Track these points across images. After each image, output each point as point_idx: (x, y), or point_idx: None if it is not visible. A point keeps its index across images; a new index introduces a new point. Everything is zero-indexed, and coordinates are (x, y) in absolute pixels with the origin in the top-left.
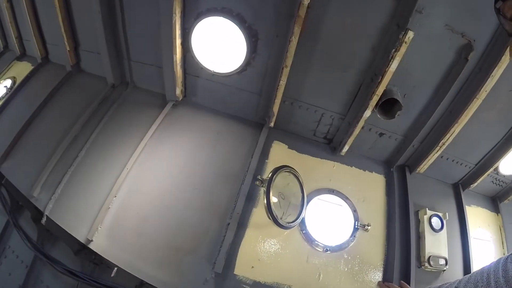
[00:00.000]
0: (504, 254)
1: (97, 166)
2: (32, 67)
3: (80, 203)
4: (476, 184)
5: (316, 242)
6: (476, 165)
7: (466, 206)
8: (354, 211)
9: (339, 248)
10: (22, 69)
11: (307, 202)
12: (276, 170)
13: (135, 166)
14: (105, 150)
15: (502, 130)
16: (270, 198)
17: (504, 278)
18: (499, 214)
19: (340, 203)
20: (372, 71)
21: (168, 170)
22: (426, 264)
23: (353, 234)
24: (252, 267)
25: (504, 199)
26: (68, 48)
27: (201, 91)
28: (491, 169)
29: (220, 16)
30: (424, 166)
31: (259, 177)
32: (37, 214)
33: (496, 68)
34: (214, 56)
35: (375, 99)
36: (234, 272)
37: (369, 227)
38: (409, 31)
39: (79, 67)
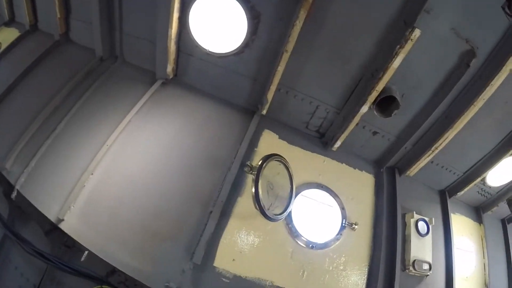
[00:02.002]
0: (484, 264)
1: (75, 140)
2: (20, 33)
3: (53, 179)
4: (462, 192)
5: (301, 237)
6: (464, 173)
7: (451, 214)
8: (342, 208)
9: (325, 245)
10: (9, 35)
11: (295, 195)
12: (267, 158)
13: (116, 143)
14: (85, 124)
15: (493, 141)
16: (259, 186)
17: None
18: (481, 224)
19: (328, 200)
20: (374, 66)
21: (151, 150)
22: (411, 268)
23: (339, 232)
24: (233, 259)
25: (487, 210)
26: (58, 15)
27: (193, 71)
28: (479, 179)
29: None
30: (414, 170)
31: (248, 163)
32: (9, 188)
33: (496, 77)
34: (211, 35)
35: (374, 94)
36: (214, 264)
37: (356, 226)
38: (416, 29)
39: (68, 36)
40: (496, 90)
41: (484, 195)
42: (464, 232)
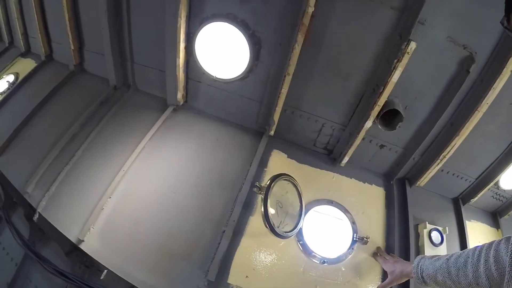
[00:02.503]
0: None
1: (93, 166)
2: (36, 64)
3: (73, 202)
4: (476, 198)
5: (313, 253)
6: (476, 179)
7: (466, 221)
8: (353, 223)
9: (337, 260)
10: (26, 65)
11: (305, 212)
12: (274, 178)
13: (132, 168)
14: (102, 150)
15: (502, 144)
16: (268, 205)
17: (494, 258)
18: (499, 229)
19: (339, 215)
20: (374, 81)
21: (165, 174)
22: None
23: (351, 247)
24: (247, 276)
25: (504, 214)
26: (72, 48)
27: (202, 97)
28: (492, 184)
29: (224, 21)
30: (424, 180)
31: (257, 184)
32: (30, 211)
33: (498, 80)
34: (216, 62)
35: (376, 109)
36: (228, 281)
37: (368, 240)
38: (412, 41)
39: (82, 67)
40: (499, 93)
41: (499, 199)
42: (481, 238)
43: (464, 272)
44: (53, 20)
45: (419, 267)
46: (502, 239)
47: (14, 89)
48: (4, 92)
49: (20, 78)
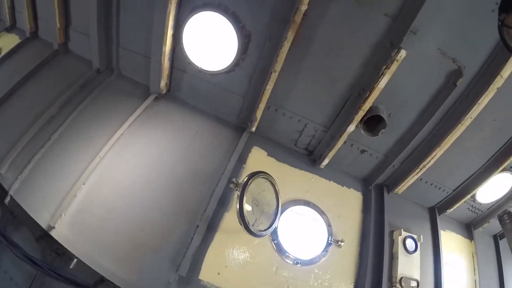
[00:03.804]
0: (475, 281)
1: (69, 150)
2: (20, 40)
3: (46, 187)
4: (452, 209)
5: (287, 253)
6: (454, 190)
7: (441, 231)
8: (329, 225)
9: (310, 262)
10: (10, 40)
11: (281, 212)
12: (252, 175)
13: (108, 155)
14: (80, 134)
15: (482, 158)
16: (244, 203)
17: None
18: (472, 240)
19: (315, 216)
20: (361, 86)
21: (141, 163)
22: (398, 285)
23: (325, 249)
24: (218, 273)
25: (478, 227)
26: (58, 26)
27: (185, 87)
28: (468, 196)
29: (215, 11)
30: (402, 187)
31: (234, 180)
32: (2, 193)
33: (483, 96)
34: (203, 53)
35: (360, 114)
36: (199, 277)
37: (342, 243)
38: (402, 49)
39: (66, 46)
40: (484, 108)
41: (474, 211)
42: (455, 248)
43: None
44: None
45: None
46: None
47: None
48: None
49: (3, 53)
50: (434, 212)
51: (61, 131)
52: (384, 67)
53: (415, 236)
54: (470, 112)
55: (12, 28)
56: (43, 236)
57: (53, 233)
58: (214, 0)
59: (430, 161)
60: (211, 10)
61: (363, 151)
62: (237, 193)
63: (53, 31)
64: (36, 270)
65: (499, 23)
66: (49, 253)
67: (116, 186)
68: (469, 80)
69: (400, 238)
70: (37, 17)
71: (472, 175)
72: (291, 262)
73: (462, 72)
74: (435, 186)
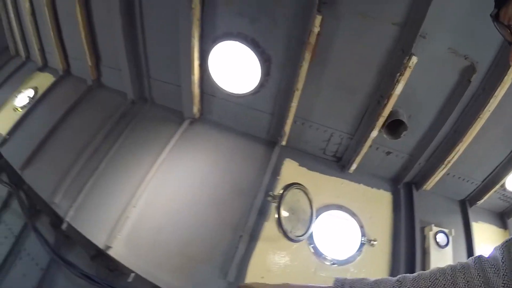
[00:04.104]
0: None
1: (117, 177)
2: (54, 78)
3: (100, 212)
4: (482, 200)
5: (323, 255)
6: (482, 182)
7: (473, 223)
8: (361, 227)
9: (346, 261)
10: (44, 79)
11: (316, 218)
12: (287, 187)
13: (154, 179)
14: (125, 162)
15: (508, 147)
16: (281, 213)
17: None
18: (507, 229)
19: (347, 218)
20: (379, 94)
21: (184, 184)
22: None
23: (359, 249)
24: (262, 277)
25: (511, 215)
26: (89, 64)
27: (217, 110)
28: (498, 186)
29: (235, 40)
30: (430, 183)
31: (270, 193)
32: (56, 219)
33: (499, 88)
34: (229, 77)
35: (381, 120)
36: (245, 282)
37: (375, 242)
38: (413, 56)
39: (100, 81)
40: (502, 99)
41: (506, 200)
42: (489, 239)
43: None
44: (69, 36)
45: None
46: (472, 259)
47: (34, 103)
48: (25, 106)
49: (40, 92)
50: (465, 205)
51: (108, 160)
52: (398, 74)
53: (446, 231)
54: (488, 105)
55: (44, 67)
56: (98, 255)
57: (110, 252)
58: (233, 30)
59: (454, 156)
60: (231, 40)
61: (388, 153)
62: (274, 205)
63: (85, 68)
64: (92, 286)
65: (492, 19)
66: (102, 270)
67: (164, 206)
68: (483, 74)
69: (431, 234)
70: (67, 56)
71: (499, 165)
72: (328, 263)
73: (476, 68)
74: (463, 179)
